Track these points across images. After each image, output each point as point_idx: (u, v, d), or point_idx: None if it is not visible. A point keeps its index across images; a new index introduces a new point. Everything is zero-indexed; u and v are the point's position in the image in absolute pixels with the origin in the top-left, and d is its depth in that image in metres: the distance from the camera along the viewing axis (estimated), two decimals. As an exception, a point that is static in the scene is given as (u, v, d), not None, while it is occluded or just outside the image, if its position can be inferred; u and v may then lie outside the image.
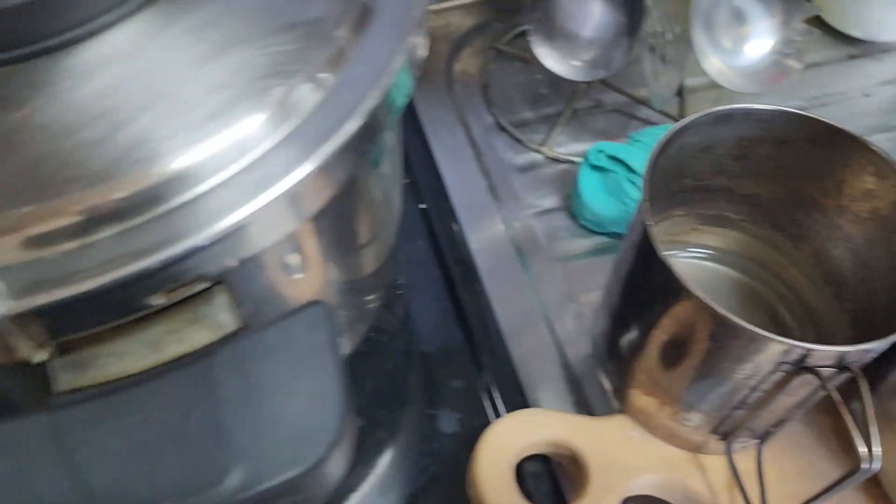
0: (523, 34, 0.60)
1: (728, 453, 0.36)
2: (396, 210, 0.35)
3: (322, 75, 0.23)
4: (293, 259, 0.26)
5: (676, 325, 0.32)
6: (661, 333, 0.34)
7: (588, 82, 0.53)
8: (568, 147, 0.54)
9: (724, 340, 0.31)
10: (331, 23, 0.24)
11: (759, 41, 0.46)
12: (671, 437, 0.38)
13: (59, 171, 0.20)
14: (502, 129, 0.55)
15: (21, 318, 0.19)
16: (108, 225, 0.20)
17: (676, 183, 0.38)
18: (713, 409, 0.35)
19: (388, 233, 0.34)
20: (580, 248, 0.50)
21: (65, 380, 0.22)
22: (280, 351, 0.20)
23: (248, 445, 0.19)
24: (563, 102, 0.56)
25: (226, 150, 0.21)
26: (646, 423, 0.38)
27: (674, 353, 0.34)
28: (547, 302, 0.47)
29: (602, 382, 0.43)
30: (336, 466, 0.20)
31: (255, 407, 0.20)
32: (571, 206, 0.51)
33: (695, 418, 0.36)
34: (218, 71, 0.22)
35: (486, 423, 0.42)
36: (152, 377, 0.20)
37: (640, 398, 0.38)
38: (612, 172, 0.48)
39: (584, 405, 0.43)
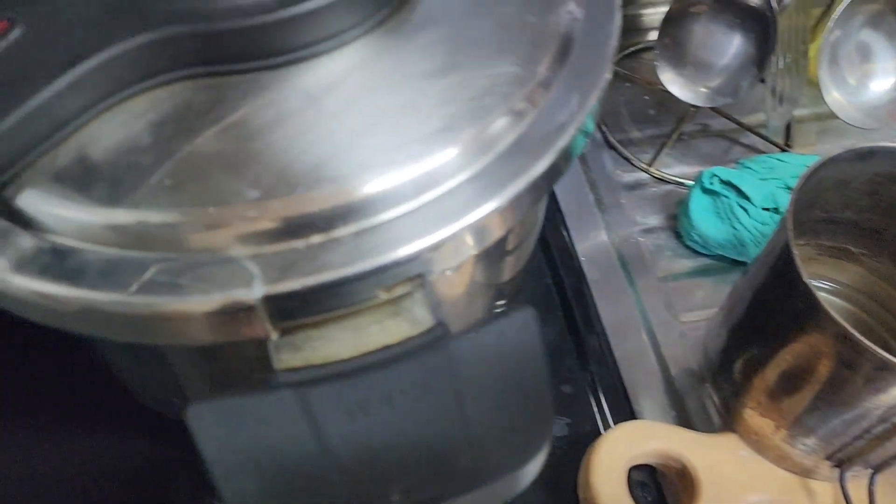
0: (633, 54, 0.61)
1: (841, 481, 0.37)
2: (540, 219, 0.37)
3: (521, 108, 0.25)
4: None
5: (808, 350, 0.34)
6: (788, 356, 0.35)
7: (697, 106, 0.54)
8: (674, 168, 0.56)
9: (860, 371, 0.32)
10: (535, 56, 0.25)
11: (883, 79, 0.47)
12: (782, 460, 0.39)
13: (310, 171, 0.22)
14: (611, 146, 0.56)
15: (269, 301, 0.21)
16: (347, 224, 0.22)
17: (806, 213, 0.39)
18: (832, 437, 0.36)
19: (532, 240, 0.36)
20: (684, 268, 0.51)
21: (282, 359, 0.24)
22: (495, 350, 0.22)
23: (474, 436, 0.21)
24: (670, 123, 0.57)
25: (431, 173, 0.23)
26: (757, 443, 0.40)
27: (800, 377, 0.35)
28: (650, 317, 0.48)
29: (709, 398, 0.44)
30: (536, 468, 0.22)
31: (477, 402, 0.21)
32: (678, 226, 0.52)
33: (811, 443, 0.37)
34: (429, 97, 0.24)
35: (594, 430, 0.44)
36: (383, 363, 0.22)
37: (754, 419, 0.39)
38: (724, 197, 0.49)
39: (684, 419, 0.45)
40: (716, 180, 0.49)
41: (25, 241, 0.22)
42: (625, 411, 0.44)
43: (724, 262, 0.51)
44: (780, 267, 0.34)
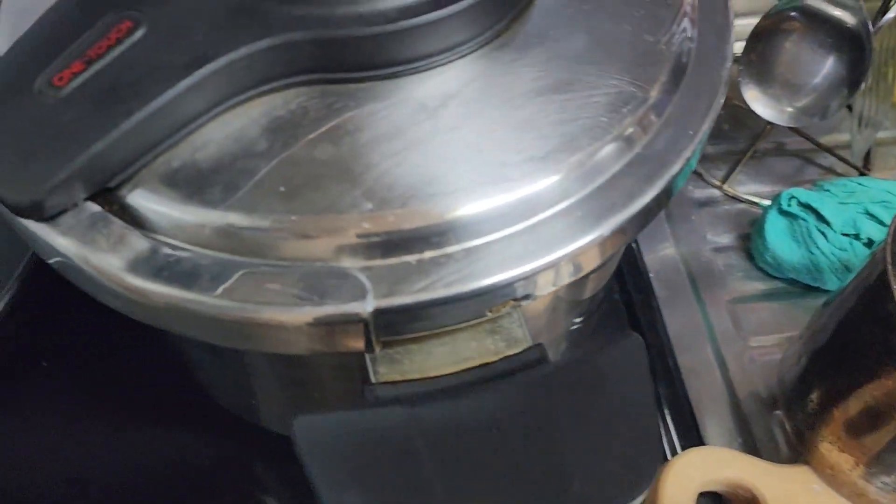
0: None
1: (921, 522, 0.36)
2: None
3: (633, 134, 0.24)
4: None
5: (899, 389, 0.33)
6: (875, 391, 0.34)
7: (773, 124, 0.53)
8: (747, 186, 0.54)
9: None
10: (649, 78, 0.25)
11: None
12: (857, 497, 0.38)
13: (424, 185, 0.22)
14: (683, 160, 0.55)
15: (379, 315, 0.21)
16: (460, 241, 0.22)
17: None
18: (916, 476, 0.35)
19: (616, 259, 0.35)
20: (755, 290, 0.50)
21: (380, 371, 0.24)
22: (603, 377, 0.22)
23: (581, 464, 0.20)
24: (745, 140, 0.56)
25: (541, 195, 0.23)
26: (832, 478, 0.38)
27: (886, 413, 0.34)
28: (718, 338, 0.47)
29: (778, 426, 0.43)
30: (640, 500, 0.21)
31: (585, 429, 0.21)
32: (751, 246, 0.51)
33: (891, 482, 0.36)
34: (542, 116, 0.23)
35: (661, 453, 0.43)
36: (487, 382, 0.22)
37: (831, 453, 0.38)
38: (802, 220, 0.48)
39: (750, 446, 0.44)
40: (794, 202, 0.48)
41: (139, 242, 0.22)
42: (691, 434, 0.43)
43: (797, 287, 0.50)
44: (873, 300, 0.33)
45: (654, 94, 0.24)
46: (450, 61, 0.23)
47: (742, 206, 0.53)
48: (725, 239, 0.52)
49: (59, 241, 0.21)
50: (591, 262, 0.23)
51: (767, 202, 0.52)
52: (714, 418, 0.45)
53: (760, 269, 0.50)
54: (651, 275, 0.49)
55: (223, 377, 0.36)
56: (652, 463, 0.21)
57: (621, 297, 0.49)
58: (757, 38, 0.45)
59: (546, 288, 0.23)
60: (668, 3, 0.26)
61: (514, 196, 0.22)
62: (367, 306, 0.21)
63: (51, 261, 0.22)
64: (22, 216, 0.21)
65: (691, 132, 0.24)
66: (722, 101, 0.26)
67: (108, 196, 0.22)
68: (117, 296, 0.21)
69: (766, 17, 0.45)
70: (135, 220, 0.22)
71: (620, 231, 0.23)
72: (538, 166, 0.22)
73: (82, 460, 0.41)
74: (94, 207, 0.22)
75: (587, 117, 0.23)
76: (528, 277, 0.22)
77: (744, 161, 0.55)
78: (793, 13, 0.44)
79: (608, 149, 0.23)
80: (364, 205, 0.21)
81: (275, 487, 0.44)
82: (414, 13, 0.22)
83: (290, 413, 0.34)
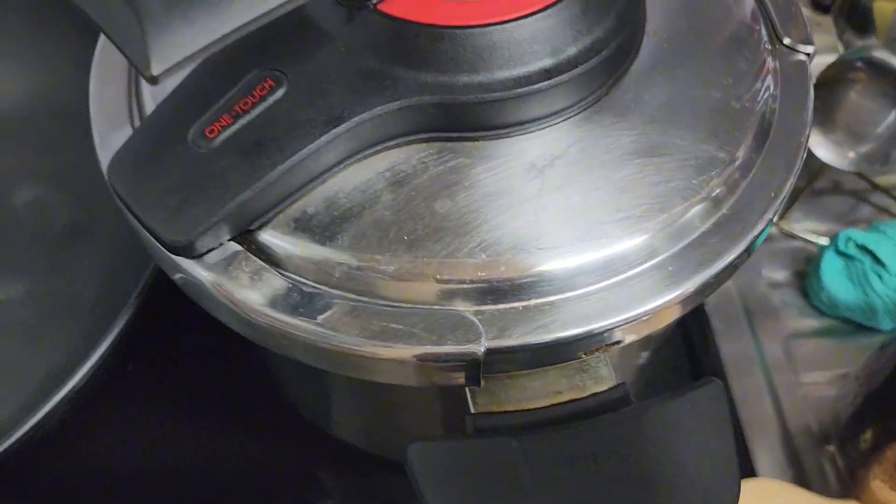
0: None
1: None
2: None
3: (721, 194, 0.26)
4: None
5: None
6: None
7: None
8: (803, 224, 0.56)
9: None
10: (737, 140, 0.27)
11: None
12: (907, 534, 0.39)
13: (533, 239, 0.24)
14: (741, 196, 0.57)
15: (489, 354, 0.23)
16: (562, 291, 0.24)
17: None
18: (968, 519, 0.36)
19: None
20: (809, 328, 0.52)
21: (478, 403, 0.26)
22: (686, 419, 0.24)
23: (668, 495, 0.22)
24: (801, 177, 0.57)
25: (636, 251, 0.25)
26: (883, 515, 0.40)
27: (940, 458, 0.35)
28: (772, 372, 0.49)
29: (829, 461, 0.44)
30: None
31: (669, 465, 0.23)
32: (806, 284, 0.52)
33: (943, 522, 0.37)
34: (633, 180, 0.25)
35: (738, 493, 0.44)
36: (575, 418, 0.24)
37: (883, 491, 0.39)
38: (858, 262, 0.49)
39: (801, 479, 0.45)
40: (851, 244, 0.50)
41: (276, 280, 0.24)
42: (744, 464, 0.45)
43: (851, 325, 0.51)
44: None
45: (741, 157, 0.26)
46: (556, 123, 0.26)
47: (798, 243, 0.55)
48: (781, 275, 0.54)
49: (206, 276, 0.24)
50: (676, 313, 0.25)
51: (823, 240, 0.53)
52: (765, 450, 0.46)
53: (815, 307, 0.52)
54: (707, 307, 0.51)
55: (314, 394, 0.39)
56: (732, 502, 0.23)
57: (679, 328, 0.51)
58: (822, 86, 0.47)
59: (635, 336, 0.25)
60: (753, 73, 0.28)
61: (611, 252, 0.24)
62: (480, 347, 0.23)
63: (193, 293, 0.25)
64: (174, 254, 0.24)
65: (773, 194, 0.26)
66: (801, 163, 0.28)
67: (248, 236, 0.25)
68: (255, 327, 0.24)
69: (831, 66, 0.46)
70: (271, 260, 0.25)
71: (706, 286, 0.25)
72: (634, 225, 0.25)
73: (169, 456, 0.44)
74: (235, 246, 0.25)
75: (680, 179, 0.25)
76: (622, 326, 0.24)
77: (800, 198, 0.56)
78: (858, 63, 0.45)
79: (698, 209, 0.25)
80: (479, 255, 0.24)
81: (339, 493, 0.47)
82: (528, 83, 0.24)
83: (377, 430, 0.37)
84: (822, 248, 0.51)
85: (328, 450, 0.45)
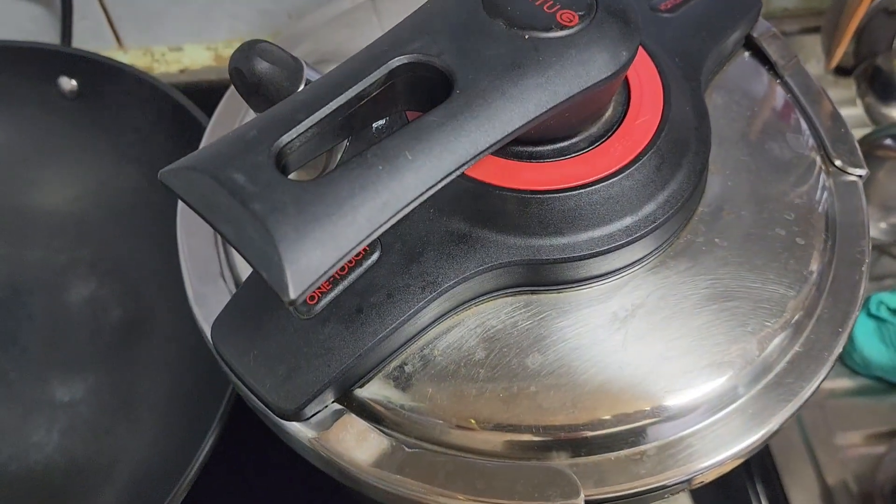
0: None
1: None
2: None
3: (791, 336, 0.27)
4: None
5: None
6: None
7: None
8: (833, 283, 0.57)
9: None
10: (802, 283, 0.28)
11: None
12: None
13: (622, 391, 0.25)
14: (770, 256, 0.58)
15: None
16: (651, 440, 0.25)
17: None
18: None
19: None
20: (842, 387, 0.53)
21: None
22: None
23: None
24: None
25: (719, 397, 0.26)
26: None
27: None
28: (809, 433, 0.51)
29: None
30: None
31: None
32: (839, 345, 0.54)
33: None
34: (712, 325, 0.27)
35: None
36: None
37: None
38: (891, 324, 0.51)
39: (845, 542, 0.47)
40: (883, 307, 0.51)
41: (380, 440, 0.25)
42: (791, 531, 0.46)
43: (884, 384, 0.53)
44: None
45: (809, 295, 0.28)
46: (635, 271, 0.27)
47: (828, 301, 0.56)
48: (813, 335, 0.55)
49: (313, 437, 0.25)
50: (756, 450, 0.27)
51: (854, 300, 0.55)
52: (809, 512, 0.48)
53: (848, 367, 0.53)
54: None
55: None
56: None
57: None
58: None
59: (717, 475, 0.27)
60: (812, 205, 0.29)
61: (697, 399, 0.26)
62: (580, 501, 0.24)
63: (299, 449, 0.26)
64: (283, 419, 0.25)
65: (840, 329, 0.28)
66: (863, 295, 0.29)
67: (349, 394, 0.26)
68: (363, 484, 0.25)
69: (861, 141, 0.48)
70: (372, 417, 0.26)
71: (784, 423, 0.26)
72: (716, 372, 0.26)
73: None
74: (337, 406, 0.26)
75: (754, 323, 0.27)
76: (708, 471, 0.26)
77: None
78: (887, 141, 0.47)
79: (773, 350, 0.27)
80: (572, 410, 0.25)
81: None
82: (611, 241, 0.26)
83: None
84: (854, 311, 0.53)
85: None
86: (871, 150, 0.47)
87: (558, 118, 0.25)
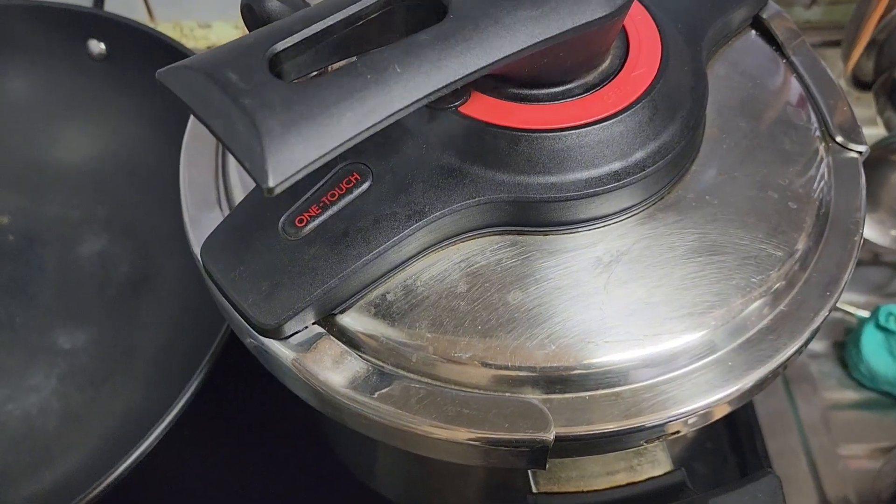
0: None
1: None
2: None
3: (778, 292, 0.27)
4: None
5: None
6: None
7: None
8: (843, 296, 0.56)
9: None
10: (792, 245, 0.28)
11: None
12: None
13: (600, 332, 0.25)
14: (780, 265, 0.58)
15: (557, 441, 0.25)
16: (628, 383, 0.25)
17: None
18: None
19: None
20: (848, 399, 0.52)
21: (539, 483, 0.27)
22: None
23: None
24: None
25: (697, 346, 0.26)
26: None
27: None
28: (811, 443, 0.50)
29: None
30: None
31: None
32: (846, 356, 0.53)
33: None
34: (696, 277, 0.27)
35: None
36: (634, 500, 0.25)
37: (925, 573, 0.40)
38: (898, 336, 0.50)
39: (839, 553, 0.46)
40: (891, 319, 0.50)
41: (357, 363, 0.26)
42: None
43: (891, 398, 0.52)
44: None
45: (797, 257, 0.28)
46: (622, 220, 0.27)
47: (837, 314, 0.56)
48: (820, 346, 0.55)
49: (290, 357, 0.26)
50: (733, 406, 0.27)
51: (862, 312, 0.54)
52: (805, 522, 0.47)
53: (854, 379, 0.52)
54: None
55: (367, 460, 0.40)
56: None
57: (719, 397, 0.51)
58: (865, 165, 0.48)
59: (693, 427, 0.26)
60: (808, 173, 0.29)
61: (674, 346, 0.26)
62: (550, 435, 0.24)
63: (276, 371, 0.27)
64: (263, 335, 0.26)
65: (828, 292, 0.28)
66: (854, 263, 0.29)
67: (330, 319, 0.26)
68: (335, 407, 0.26)
69: (875, 147, 0.48)
70: (352, 343, 0.26)
71: (763, 382, 0.26)
72: (696, 321, 0.26)
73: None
74: (318, 329, 0.26)
75: (740, 277, 0.27)
76: (684, 419, 0.25)
77: (840, 270, 0.57)
78: (901, 146, 0.47)
79: (756, 307, 0.27)
80: (549, 346, 0.25)
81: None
82: (599, 184, 0.26)
83: (426, 496, 0.38)
84: (862, 321, 0.52)
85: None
86: (884, 154, 0.47)
87: (553, 57, 0.25)
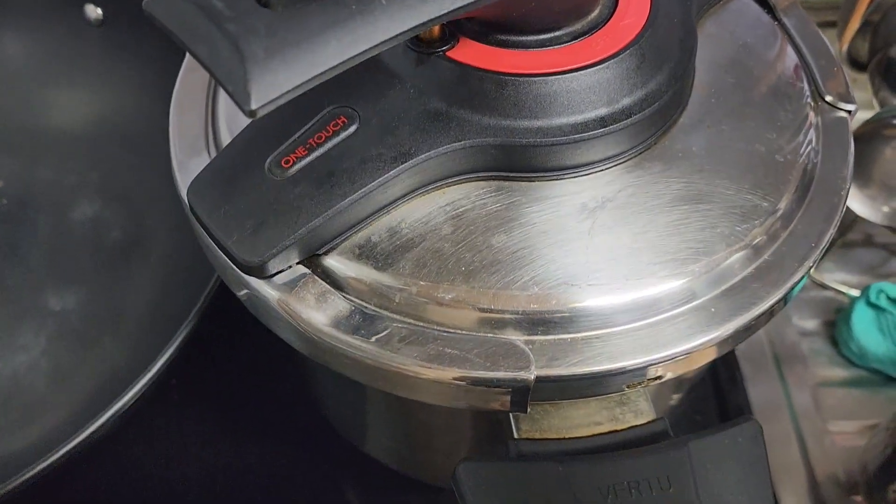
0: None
1: None
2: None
3: (760, 243, 0.27)
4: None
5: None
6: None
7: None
8: (834, 275, 0.57)
9: None
10: (780, 191, 0.28)
11: None
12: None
13: (584, 275, 0.25)
14: (773, 244, 0.58)
15: (538, 382, 0.25)
16: (611, 325, 0.25)
17: None
18: None
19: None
20: (837, 377, 0.52)
21: (521, 429, 0.27)
22: (726, 456, 0.25)
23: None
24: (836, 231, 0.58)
25: (680, 291, 0.26)
26: (909, 566, 0.40)
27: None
28: (800, 420, 0.50)
29: (856, 512, 0.45)
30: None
31: (709, 500, 0.24)
32: (836, 333, 0.53)
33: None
34: (680, 225, 0.27)
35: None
36: (616, 448, 0.25)
37: (910, 542, 0.40)
38: (889, 314, 0.50)
39: (826, 528, 0.46)
40: (882, 297, 0.50)
41: (340, 303, 0.26)
42: (770, 510, 0.45)
43: (880, 376, 0.52)
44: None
45: (782, 208, 0.28)
46: (608, 168, 0.27)
47: (828, 293, 0.56)
48: (811, 324, 0.55)
49: (274, 295, 0.26)
50: (714, 353, 0.27)
51: (853, 291, 0.54)
52: (792, 497, 0.47)
53: (844, 357, 0.53)
54: (737, 351, 0.52)
55: (352, 413, 0.40)
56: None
57: (709, 371, 0.51)
58: (858, 141, 0.48)
59: (675, 372, 0.26)
60: (796, 128, 0.30)
61: (657, 291, 0.26)
62: (531, 375, 0.24)
63: (259, 311, 0.27)
64: (246, 273, 0.26)
65: (812, 244, 0.28)
66: (841, 216, 0.29)
67: (315, 260, 0.26)
68: (317, 346, 0.26)
69: (868, 122, 0.48)
70: (335, 283, 0.26)
71: (744, 330, 0.26)
72: (679, 268, 0.26)
73: (206, 467, 0.46)
74: (302, 269, 0.26)
75: (724, 226, 0.27)
76: (664, 363, 0.25)
77: (832, 250, 0.57)
78: (894, 121, 0.47)
79: (739, 255, 0.27)
80: (531, 288, 0.25)
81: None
82: (584, 130, 0.26)
83: (410, 450, 0.38)
84: (853, 300, 0.52)
85: (360, 469, 0.46)
86: (877, 129, 0.47)
87: (541, 2, 0.26)
